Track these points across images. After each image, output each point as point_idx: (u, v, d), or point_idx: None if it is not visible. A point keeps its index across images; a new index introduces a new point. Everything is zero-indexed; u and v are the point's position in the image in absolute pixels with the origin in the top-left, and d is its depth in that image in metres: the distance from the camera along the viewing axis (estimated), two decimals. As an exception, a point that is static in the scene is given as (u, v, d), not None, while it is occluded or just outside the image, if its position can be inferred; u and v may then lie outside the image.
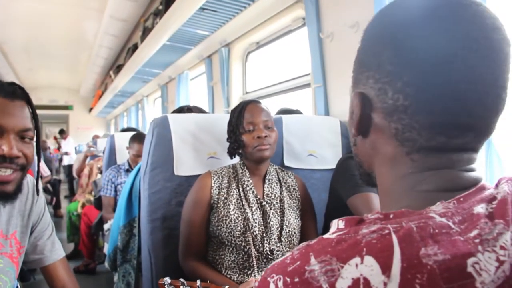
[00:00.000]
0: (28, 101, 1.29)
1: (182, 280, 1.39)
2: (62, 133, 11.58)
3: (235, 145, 1.88)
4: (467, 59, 0.54)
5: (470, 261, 0.46)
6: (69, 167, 10.66)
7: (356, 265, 0.48)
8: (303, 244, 0.57)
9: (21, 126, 1.23)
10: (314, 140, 2.48)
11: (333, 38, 2.76)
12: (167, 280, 1.40)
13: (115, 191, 3.90)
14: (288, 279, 0.52)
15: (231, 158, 1.97)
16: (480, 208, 0.52)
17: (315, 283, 0.49)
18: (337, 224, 0.57)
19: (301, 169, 2.42)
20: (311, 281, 0.50)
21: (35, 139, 1.31)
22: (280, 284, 0.53)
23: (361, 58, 0.66)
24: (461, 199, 0.53)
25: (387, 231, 0.49)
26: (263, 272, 1.67)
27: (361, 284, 0.47)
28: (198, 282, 1.37)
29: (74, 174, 8.74)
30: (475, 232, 0.49)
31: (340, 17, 2.69)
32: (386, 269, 0.46)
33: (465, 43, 0.55)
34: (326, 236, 0.56)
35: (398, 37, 0.59)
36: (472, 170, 0.59)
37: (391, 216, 0.53)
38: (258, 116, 1.85)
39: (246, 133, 1.83)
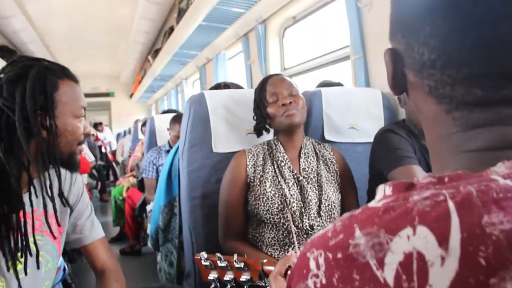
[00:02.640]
0: None
1: (218, 254, 1.36)
2: (97, 126, 11.78)
3: (262, 121, 1.84)
4: None
5: None
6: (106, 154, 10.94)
7: (408, 237, 0.40)
8: (346, 215, 0.49)
9: (84, 105, 1.39)
10: (355, 113, 2.40)
11: (371, 6, 2.66)
12: (204, 255, 1.38)
13: (157, 172, 3.94)
14: (330, 255, 0.45)
15: (258, 136, 1.92)
16: None
17: (360, 259, 0.42)
18: (383, 190, 0.49)
19: (342, 142, 2.35)
20: (356, 256, 0.42)
21: None
22: (321, 260, 0.46)
23: (392, 10, 0.61)
24: None
25: (442, 197, 0.41)
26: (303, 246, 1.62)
27: (414, 259, 0.39)
28: (235, 256, 1.34)
29: (118, 158, 8.93)
30: None
31: (378, -16, 2.59)
32: (443, 241, 0.38)
33: None
34: (371, 204, 0.48)
35: None
36: None
37: (446, 179, 0.45)
38: (280, 86, 1.81)
39: (271, 104, 1.80)
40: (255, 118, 1.90)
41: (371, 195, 2.12)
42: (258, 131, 1.91)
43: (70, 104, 1.31)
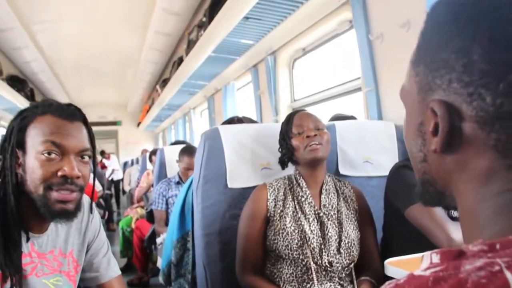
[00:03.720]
0: (85, 122, 1.32)
1: None
2: (103, 154, 11.81)
3: (287, 153, 1.83)
4: None
5: None
6: (115, 182, 10.93)
7: None
8: (390, 284, 0.46)
9: (81, 147, 1.26)
10: (369, 146, 2.39)
11: (383, 39, 2.67)
12: None
13: (167, 204, 3.92)
14: None
15: (283, 168, 1.92)
16: None
17: None
18: (430, 258, 0.47)
19: (357, 176, 2.34)
20: None
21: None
22: None
23: (428, 57, 0.55)
24: None
25: (497, 267, 0.39)
26: (331, 284, 1.59)
27: None
28: None
29: (126, 188, 8.91)
30: None
31: (389, 16, 2.60)
32: None
33: None
34: (417, 273, 0.45)
35: (488, 25, 0.48)
36: None
37: (498, 246, 0.42)
38: (307, 119, 1.82)
39: (296, 136, 1.80)
40: (280, 150, 1.90)
41: (387, 231, 2.10)
42: (282, 163, 1.91)
43: (35, 139, 1.21)
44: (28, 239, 1.27)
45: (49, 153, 1.20)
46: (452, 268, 0.42)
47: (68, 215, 1.25)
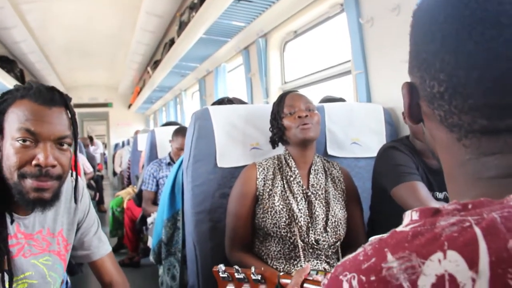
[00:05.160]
0: (67, 106, 1.29)
1: (236, 267, 1.38)
2: (92, 140, 11.77)
3: (277, 132, 1.87)
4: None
5: None
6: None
7: (439, 260, 0.44)
8: (374, 239, 0.53)
9: (58, 134, 1.22)
10: (357, 128, 2.43)
11: (373, 23, 2.69)
12: (222, 267, 1.39)
13: (157, 185, 3.95)
14: (364, 278, 0.48)
15: (273, 147, 1.96)
16: None
17: (394, 281, 0.45)
18: (410, 216, 0.53)
19: (345, 157, 2.38)
20: (389, 279, 0.46)
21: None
22: (354, 282, 0.49)
23: (410, 48, 0.64)
24: None
25: (468, 224, 0.45)
26: (318, 262, 1.63)
27: (447, 281, 0.42)
28: (253, 269, 1.35)
29: (116, 169, 8.92)
30: None
31: (380, 0, 2.61)
32: (472, 264, 0.42)
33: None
34: (399, 229, 0.52)
35: (423, 22, 0.60)
36: None
37: (470, 206, 0.48)
38: (298, 100, 1.85)
39: (287, 116, 1.83)
40: (271, 129, 1.93)
41: (374, 211, 2.15)
42: (273, 142, 1.94)
43: (11, 124, 1.18)
44: (12, 221, 1.27)
45: (23, 140, 1.18)
46: (429, 224, 0.48)
47: (44, 203, 1.24)
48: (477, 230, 0.44)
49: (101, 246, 1.59)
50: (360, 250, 0.53)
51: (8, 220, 1.26)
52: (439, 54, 0.56)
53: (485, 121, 0.54)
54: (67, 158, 1.26)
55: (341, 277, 0.52)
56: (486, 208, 0.46)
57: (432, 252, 0.45)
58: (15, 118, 1.18)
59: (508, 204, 0.46)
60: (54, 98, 1.24)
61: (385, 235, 0.52)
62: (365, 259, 0.50)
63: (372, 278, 0.47)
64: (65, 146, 1.25)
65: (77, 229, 1.53)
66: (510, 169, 0.53)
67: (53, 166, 1.20)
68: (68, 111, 1.29)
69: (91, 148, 10.97)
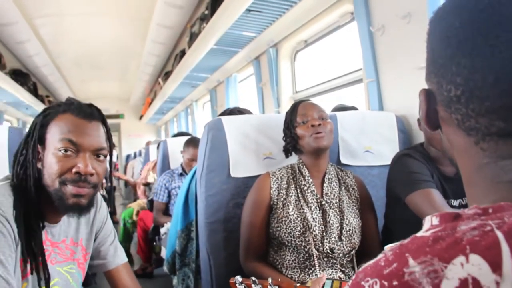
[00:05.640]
0: (104, 121, 1.39)
1: (253, 278, 1.38)
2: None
3: (291, 141, 1.87)
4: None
5: None
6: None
7: (462, 264, 0.44)
8: (394, 245, 0.53)
9: (96, 146, 1.32)
10: (370, 136, 2.43)
11: (384, 31, 2.69)
12: (238, 278, 1.40)
13: (169, 196, 3.96)
14: (386, 283, 0.48)
15: (287, 156, 1.96)
16: None
17: (417, 286, 0.45)
18: (430, 221, 0.53)
19: (358, 166, 2.38)
20: (412, 283, 0.46)
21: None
22: None
23: (427, 55, 0.65)
24: None
25: (489, 228, 0.45)
26: (333, 271, 1.63)
27: (470, 285, 0.42)
28: (270, 280, 1.35)
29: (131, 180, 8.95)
30: None
31: (390, 8, 2.62)
32: (496, 267, 0.42)
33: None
34: (419, 234, 0.52)
35: (440, 28, 0.60)
36: None
37: (490, 210, 0.48)
38: (311, 109, 1.85)
39: (300, 125, 1.83)
40: (284, 138, 1.93)
41: (389, 219, 2.14)
42: (286, 152, 1.94)
43: (54, 136, 1.29)
44: (43, 228, 1.33)
45: (65, 150, 1.27)
46: (450, 229, 0.48)
47: (81, 209, 1.32)
48: (499, 234, 0.44)
49: (117, 255, 1.62)
50: (380, 256, 0.53)
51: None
52: (455, 58, 0.56)
53: (502, 124, 0.54)
54: (102, 169, 1.36)
55: (363, 283, 0.52)
56: (507, 212, 0.47)
57: (454, 256, 0.45)
58: (58, 130, 1.29)
59: None
60: (93, 113, 1.36)
61: (405, 241, 0.52)
62: (386, 265, 0.50)
63: (395, 283, 0.47)
64: (102, 158, 1.35)
65: (95, 239, 1.56)
66: None
67: (91, 175, 1.29)
68: (104, 126, 1.39)
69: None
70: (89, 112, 1.34)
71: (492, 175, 0.56)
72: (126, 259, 1.65)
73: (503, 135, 0.55)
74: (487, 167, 0.57)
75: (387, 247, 0.55)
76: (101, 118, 1.38)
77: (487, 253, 0.43)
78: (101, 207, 1.60)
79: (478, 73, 0.54)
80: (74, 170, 1.26)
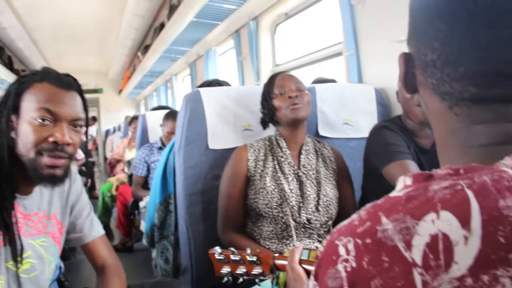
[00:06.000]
0: (80, 92, 1.37)
1: (232, 249, 1.39)
2: (95, 119, 11.72)
3: (268, 113, 1.86)
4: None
5: None
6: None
7: (432, 220, 0.45)
8: (368, 205, 0.54)
9: (74, 115, 1.30)
10: (349, 109, 2.44)
11: (364, 3, 2.68)
12: (218, 249, 1.40)
13: (148, 170, 3.94)
14: (359, 241, 0.50)
15: (264, 128, 1.96)
16: None
17: (389, 243, 0.47)
18: (404, 181, 0.55)
19: (336, 138, 2.39)
20: (384, 240, 0.47)
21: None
22: (350, 246, 0.50)
23: (408, 20, 0.66)
24: None
25: (459, 187, 0.47)
26: (310, 241, 1.64)
27: (440, 240, 0.44)
28: (248, 250, 1.36)
29: (107, 155, 8.88)
30: None
31: (371, -19, 2.60)
32: (465, 223, 0.44)
33: None
34: (393, 194, 0.53)
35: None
36: None
37: (461, 171, 0.50)
38: (288, 80, 1.85)
39: (277, 96, 1.83)
40: (261, 110, 1.92)
41: (366, 190, 2.16)
42: (263, 123, 1.94)
43: (30, 104, 1.25)
44: (14, 198, 1.30)
45: (43, 119, 1.24)
46: (422, 188, 0.50)
47: (55, 180, 1.29)
48: (469, 192, 0.45)
49: (93, 228, 1.60)
50: (355, 215, 0.54)
51: None
52: (434, 22, 0.57)
53: (475, 89, 0.55)
54: (78, 139, 1.33)
55: (336, 241, 0.53)
56: (477, 173, 0.48)
57: (425, 213, 0.46)
58: (34, 99, 1.25)
59: (498, 169, 0.48)
60: (71, 82, 1.33)
61: (379, 201, 0.53)
62: (360, 224, 0.51)
63: (368, 241, 0.49)
64: (78, 128, 1.33)
65: (70, 212, 1.54)
66: (499, 137, 0.55)
67: (68, 144, 1.27)
68: (81, 96, 1.36)
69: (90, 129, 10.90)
70: (67, 82, 1.31)
71: (465, 139, 0.58)
72: (103, 232, 1.63)
73: (475, 100, 0.56)
74: (460, 131, 0.58)
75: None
76: (78, 88, 1.35)
77: (457, 209, 0.45)
78: (76, 180, 1.57)
79: (454, 37, 0.55)
80: (51, 139, 1.24)
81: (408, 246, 0.45)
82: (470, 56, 0.54)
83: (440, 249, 0.44)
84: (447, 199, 0.46)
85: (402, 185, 0.54)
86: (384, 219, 0.49)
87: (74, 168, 1.55)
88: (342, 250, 0.51)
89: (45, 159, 1.24)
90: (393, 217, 0.48)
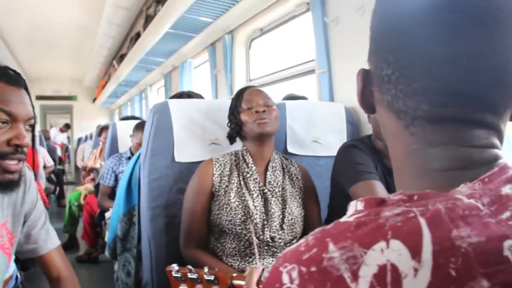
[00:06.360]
0: (27, 89, 1.27)
1: (189, 267, 1.35)
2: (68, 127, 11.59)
3: (235, 127, 1.85)
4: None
5: (507, 244, 0.41)
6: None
7: (382, 250, 0.43)
8: (317, 230, 0.51)
9: (30, 115, 1.23)
10: (319, 127, 2.43)
11: (338, 22, 2.70)
12: (175, 267, 1.36)
13: (116, 180, 3.88)
14: (304, 269, 0.47)
15: (231, 143, 1.94)
16: (508, 189, 0.47)
17: (335, 272, 0.44)
18: (355, 206, 0.52)
19: (305, 155, 2.37)
20: (330, 269, 0.44)
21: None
22: (294, 274, 0.47)
23: (369, 35, 0.64)
24: (486, 179, 0.48)
25: (412, 214, 0.44)
26: (273, 259, 1.62)
27: (388, 271, 0.41)
28: (206, 269, 1.33)
29: (78, 164, 8.75)
30: (507, 214, 0.44)
31: (345, 0, 2.62)
32: (415, 253, 0.41)
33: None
34: (343, 219, 0.50)
35: (380, 9, 0.60)
36: (488, 146, 0.53)
37: (415, 197, 0.48)
38: (256, 95, 1.84)
39: (245, 111, 1.81)
40: (229, 124, 1.90)
41: (332, 209, 2.14)
42: (230, 138, 1.92)
43: None
44: None
45: (2, 123, 1.16)
46: (373, 214, 0.47)
47: (13, 185, 1.22)
48: (422, 220, 0.43)
49: (49, 239, 1.53)
50: (302, 241, 0.51)
51: None
52: (391, 35, 0.56)
53: (427, 107, 0.53)
54: (29, 139, 1.25)
55: (281, 268, 0.50)
56: (432, 200, 0.46)
57: (375, 241, 0.44)
58: None
59: (453, 196, 0.46)
60: (21, 79, 1.24)
61: (328, 226, 0.50)
62: (306, 250, 0.49)
63: (313, 269, 0.46)
64: (30, 128, 1.26)
65: (24, 222, 1.46)
66: (454, 162, 0.53)
67: (26, 147, 1.20)
68: (28, 93, 1.27)
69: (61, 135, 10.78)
70: (18, 79, 1.22)
71: (421, 162, 0.55)
72: (58, 243, 1.56)
73: (429, 119, 0.54)
74: (416, 153, 0.56)
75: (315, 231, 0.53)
76: (25, 84, 1.26)
77: (408, 238, 0.42)
78: (31, 187, 1.47)
79: (407, 51, 0.53)
80: (13, 142, 1.16)
81: (355, 276, 0.43)
82: (424, 72, 0.52)
83: (388, 281, 0.41)
84: (399, 227, 0.44)
85: (353, 209, 0.52)
86: (331, 246, 0.46)
87: (29, 173, 1.48)
88: (285, 278, 0.48)
89: (5, 164, 1.17)
90: (341, 244, 0.46)
